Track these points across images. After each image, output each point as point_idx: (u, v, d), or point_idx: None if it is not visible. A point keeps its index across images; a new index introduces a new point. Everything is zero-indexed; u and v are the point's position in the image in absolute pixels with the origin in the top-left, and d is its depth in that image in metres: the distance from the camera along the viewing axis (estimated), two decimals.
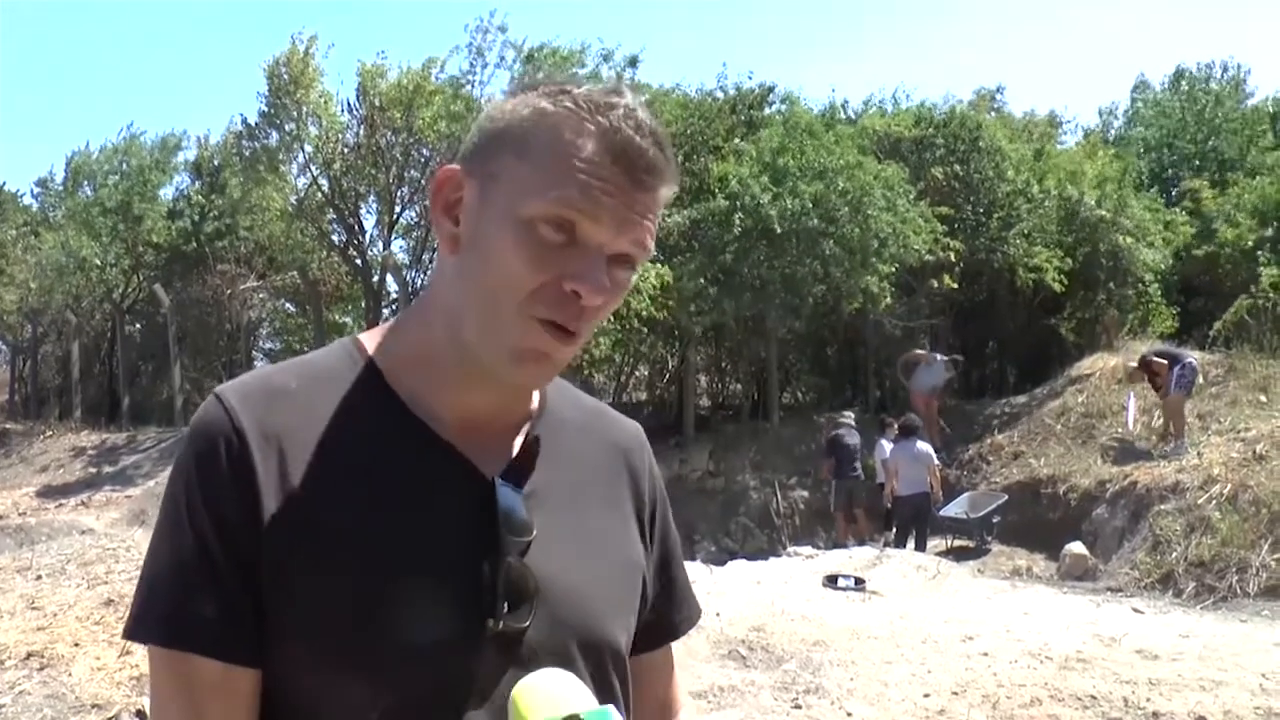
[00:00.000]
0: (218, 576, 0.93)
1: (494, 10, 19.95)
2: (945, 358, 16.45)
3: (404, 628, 0.93)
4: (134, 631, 0.96)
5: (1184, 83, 30.23)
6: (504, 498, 0.99)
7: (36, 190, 29.10)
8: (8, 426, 22.77)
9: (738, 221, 15.86)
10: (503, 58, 18.61)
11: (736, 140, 18.14)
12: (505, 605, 0.96)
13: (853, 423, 14.38)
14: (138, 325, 26.47)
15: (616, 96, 0.97)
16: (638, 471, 1.19)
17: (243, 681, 0.94)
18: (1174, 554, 8.91)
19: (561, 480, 1.08)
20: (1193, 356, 12.94)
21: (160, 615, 0.94)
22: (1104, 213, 18.22)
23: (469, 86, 18.49)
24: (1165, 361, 12.64)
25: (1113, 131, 30.01)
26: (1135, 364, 13.45)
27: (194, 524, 0.94)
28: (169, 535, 0.96)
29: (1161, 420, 12.96)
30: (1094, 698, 5.38)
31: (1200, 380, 12.97)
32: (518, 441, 1.07)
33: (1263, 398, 13.34)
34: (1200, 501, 9.29)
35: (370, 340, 1.07)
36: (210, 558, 0.93)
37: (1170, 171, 25.87)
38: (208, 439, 0.96)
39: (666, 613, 1.22)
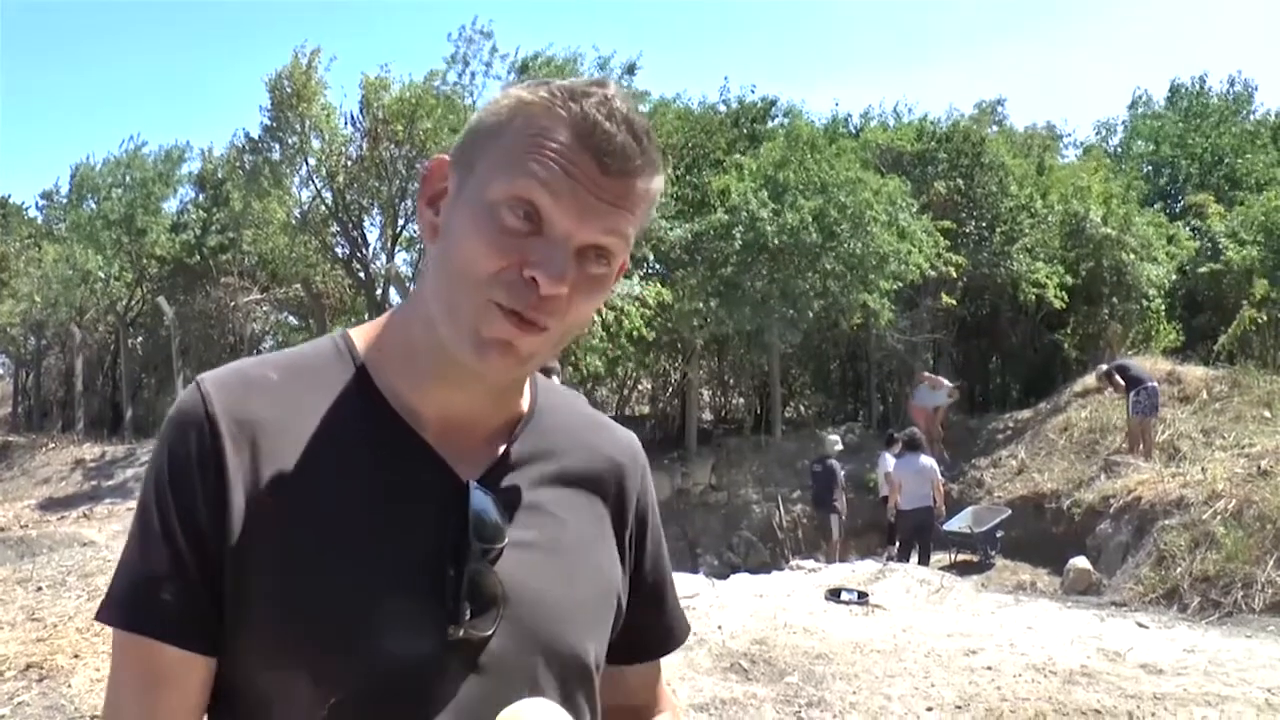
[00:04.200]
0: (181, 564, 0.92)
1: (475, 16, 19.75)
2: (951, 384, 16.52)
3: (362, 628, 0.91)
4: (101, 613, 0.96)
5: (1181, 98, 30.27)
6: (476, 501, 0.97)
7: (41, 203, 29.17)
8: (10, 439, 22.80)
9: (738, 235, 15.87)
10: (489, 65, 18.43)
11: (737, 155, 18.16)
12: (469, 612, 0.93)
13: (835, 449, 13.73)
14: (141, 338, 26.50)
15: (597, 87, 0.95)
16: (627, 486, 1.14)
17: (197, 669, 0.94)
18: (1179, 569, 8.85)
19: (543, 488, 1.05)
20: (1153, 381, 13.18)
21: (124, 599, 0.95)
22: (1109, 230, 18.24)
23: (460, 97, 18.41)
24: (1123, 382, 13.21)
25: (1110, 146, 30.04)
26: (1102, 372, 14.14)
27: (161, 511, 0.93)
28: (141, 522, 0.96)
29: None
30: (1098, 712, 5.34)
31: (1159, 403, 13.30)
32: (500, 445, 1.05)
33: (1267, 413, 13.34)
34: (1205, 517, 9.23)
35: (360, 335, 1.05)
36: (174, 545, 0.92)
37: (1173, 186, 25.90)
38: (180, 426, 0.95)
39: (649, 630, 1.19)
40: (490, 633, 0.95)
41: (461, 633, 0.93)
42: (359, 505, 0.95)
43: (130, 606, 0.94)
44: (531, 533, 1.01)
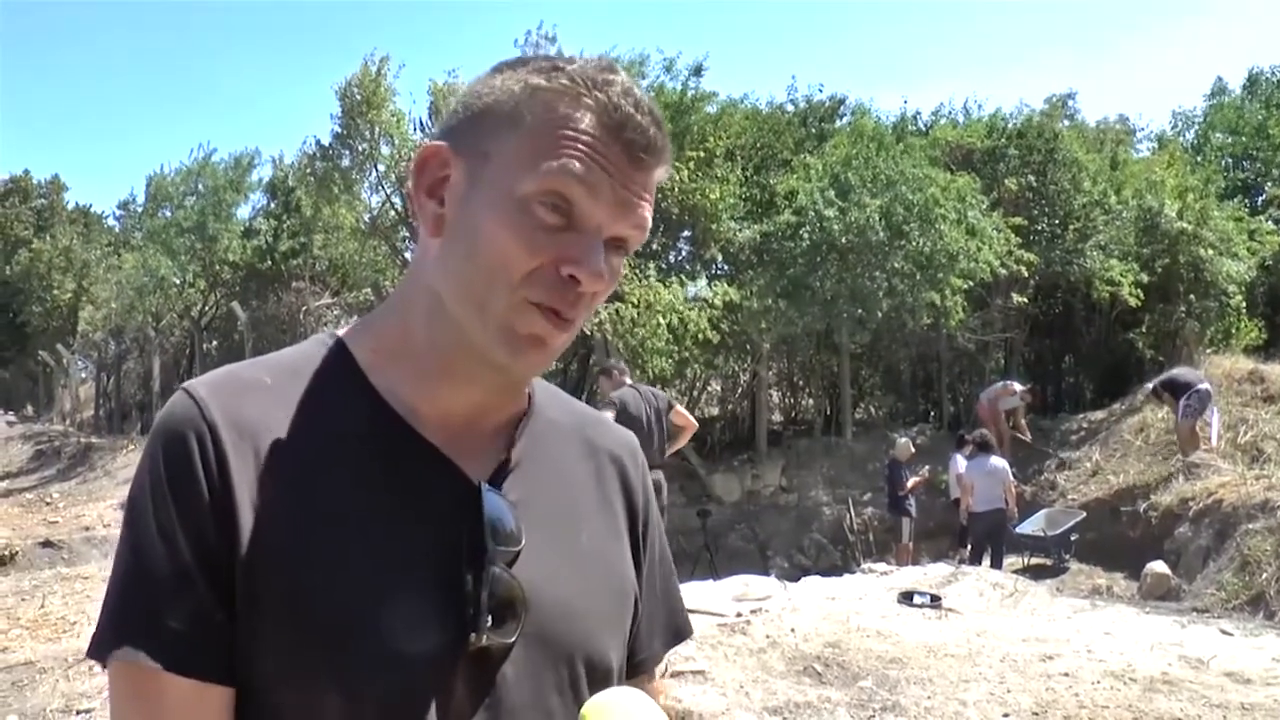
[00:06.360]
0: (188, 583, 0.85)
1: (541, 22, 19.94)
2: (1023, 387, 16.21)
3: (380, 639, 0.86)
4: (96, 649, 0.87)
5: (1262, 87, 29.40)
6: (490, 503, 0.93)
7: (119, 213, 30.05)
8: (93, 441, 23.38)
9: (805, 235, 15.78)
10: None
11: (805, 155, 18.05)
12: (489, 619, 0.89)
13: (901, 451, 13.53)
14: (215, 342, 27.09)
15: (611, 73, 0.92)
16: (631, 483, 1.11)
17: (215, 700, 0.86)
18: (1265, 575, 8.60)
19: (551, 488, 1.02)
20: (1205, 384, 12.79)
21: (124, 630, 0.86)
22: (1185, 225, 17.76)
23: None
24: (1171, 395, 12.85)
25: (1187, 138, 29.28)
26: (1149, 391, 13.81)
27: (161, 526, 0.86)
28: (134, 541, 0.88)
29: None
30: None
31: (1210, 405, 12.86)
32: (504, 444, 1.01)
33: None
34: None
35: (350, 335, 1.01)
36: (179, 563, 0.85)
37: (1255, 178, 25.19)
38: (176, 433, 0.89)
39: (657, 627, 1.14)
40: (512, 640, 0.91)
41: (484, 640, 0.89)
42: (369, 512, 0.90)
43: (134, 637, 0.85)
44: (545, 534, 0.97)
